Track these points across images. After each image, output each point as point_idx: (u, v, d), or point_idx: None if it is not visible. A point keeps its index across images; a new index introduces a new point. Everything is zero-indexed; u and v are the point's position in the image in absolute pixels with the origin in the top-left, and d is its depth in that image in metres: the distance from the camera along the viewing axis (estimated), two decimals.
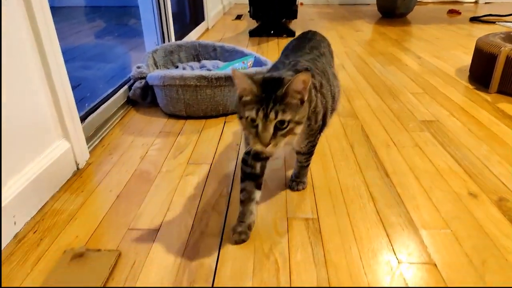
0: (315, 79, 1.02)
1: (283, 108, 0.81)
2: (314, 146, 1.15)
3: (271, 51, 3.11)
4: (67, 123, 1.29)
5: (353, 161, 1.40)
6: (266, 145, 0.81)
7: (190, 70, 2.15)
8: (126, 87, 1.97)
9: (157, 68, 2.15)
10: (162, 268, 0.92)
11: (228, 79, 1.72)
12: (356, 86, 2.21)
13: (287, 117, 0.82)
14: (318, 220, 1.09)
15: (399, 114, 1.81)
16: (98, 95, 1.82)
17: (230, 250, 0.98)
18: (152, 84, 1.84)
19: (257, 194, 1.05)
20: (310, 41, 1.26)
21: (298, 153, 1.17)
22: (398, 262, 0.94)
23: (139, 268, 0.92)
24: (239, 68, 2.05)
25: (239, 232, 1.00)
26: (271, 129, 0.81)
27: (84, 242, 1.00)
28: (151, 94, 1.91)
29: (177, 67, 2.24)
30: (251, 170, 1.03)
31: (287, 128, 0.83)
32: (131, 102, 1.96)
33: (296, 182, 1.23)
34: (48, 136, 1.23)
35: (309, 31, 1.37)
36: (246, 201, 1.03)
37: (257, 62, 2.10)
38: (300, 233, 1.04)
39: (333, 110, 1.18)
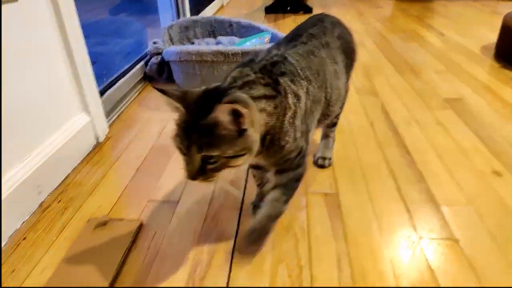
0: (295, 85, 0.81)
1: (207, 141, 0.66)
2: (294, 178, 0.87)
3: (287, 28, 3.03)
4: (87, 97, 1.30)
5: (373, 139, 1.37)
6: (193, 179, 0.69)
7: (206, 46, 2.13)
8: (142, 63, 1.97)
9: (173, 44, 2.13)
10: (183, 238, 0.94)
11: (245, 55, 1.70)
12: (376, 63, 2.16)
13: (214, 152, 0.66)
14: (338, 196, 1.08)
15: (421, 92, 1.76)
16: (115, 71, 1.82)
17: (249, 223, 0.98)
18: (168, 59, 1.83)
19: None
20: (314, 26, 1.01)
21: (272, 185, 0.89)
22: (419, 237, 0.93)
23: (161, 238, 0.94)
24: (256, 44, 2.01)
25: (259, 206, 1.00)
26: (195, 163, 0.68)
27: (106, 213, 1.02)
28: (167, 70, 1.90)
29: (192, 43, 2.22)
30: (261, 180, 1.01)
31: (217, 164, 0.68)
32: (147, 78, 1.96)
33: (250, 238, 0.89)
34: (69, 109, 1.24)
35: (321, 14, 1.12)
36: (260, 184, 1.02)
37: (274, 38, 2.06)
38: (319, 208, 1.03)
39: (326, 116, 0.99)
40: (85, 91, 1.28)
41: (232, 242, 0.93)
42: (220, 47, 1.69)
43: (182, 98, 0.68)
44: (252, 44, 2.00)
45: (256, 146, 0.72)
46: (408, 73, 2.00)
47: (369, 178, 1.15)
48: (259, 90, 0.75)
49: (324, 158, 1.22)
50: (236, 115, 0.65)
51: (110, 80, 1.70)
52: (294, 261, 0.87)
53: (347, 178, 1.16)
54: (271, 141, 0.77)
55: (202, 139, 0.65)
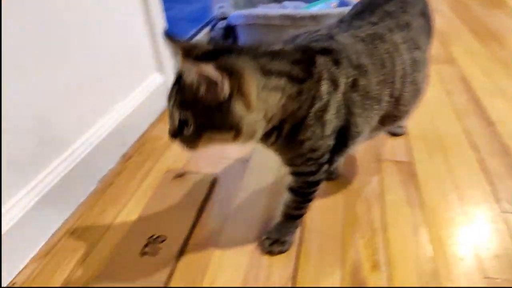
0: (337, 69, 0.66)
1: (180, 100, 0.59)
2: (311, 184, 0.75)
3: None
4: (162, 57, 1.34)
5: (451, 109, 1.29)
6: (171, 137, 0.63)
7: (273, 9, 2.09)
8: (208, 28, 1.99)
9: (238, 9, 2.12)
10: (255, 193, 0.97)
11: (314, 19, 1.65)
12: (453, 31, 1.99)
13: (185, 114, 0.59)
14: (413, 164, 1.04)
15: (506, 61, 1.60)
16: (183, 34, 1.86)
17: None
18: (234, 24, 1.83)
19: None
20: (389, 0, 0.82)
21: (289, 189, 0.79)
22: (501, 211, 0.88)
23: (234, 192, 0.97)
24: (323, 9, 1.94)
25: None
26: (175, 121, 0.61)
27: (182, 167, 1.08)
28: (233, 34, 1.90)
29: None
30: None
31: (192, 129, 0.59)
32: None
33: (269, 239, 0.82)
34: (147, 68, 1.30)
35: None
36: None
37: (342, 4, 1.97)
38: (392, 175, 1.01)
39: (393, 117, 0.79)
40: (161, 51, 1.33)
41: None
42: (287, 11, 1.65)
43: (188, 51, 0.60)
44: (319, 9, 1.93)
45: (252, 128, 0.60)
46: (489, 41, 1.82)
47: (447, 148, 1.09)
48: (282, 65, 0.61)
49: (399, 126, 1.17)
50: (212, 82, 0.54)
51: None
52: (366, 224, 0.86)
53: (423, 148, 1.10)
54: (289, 131, 0.65)
55: (177, 96, 0.59)
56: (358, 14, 0.82)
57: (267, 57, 0.61)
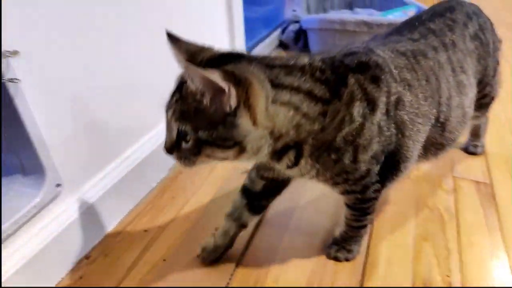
0: (375, 87, 0.59)
1: (180, 110, 0.53)
2: (364, 201, 0.69)
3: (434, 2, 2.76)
4: None
5: None
6: (167, 151, 0.57)
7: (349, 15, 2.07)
8: (279, 30, 2.01)
9: (309, 13, 2.12)
10: (321, 197, 0.96)
11: (391, 27, 1.60)
12: None
13: (184, 126, 0.53)
14: (491, 186, 0.97)
15: None
16: (252, 37, 1.90)
17: (389, 194, 0.95)
18: (306, 28, 1.83)
19: (248, 219, 0.77)
20: (437, 18, 0.76)
21: (345, 203, 0.74)
22: None
23: (301, 192, 0.97)
24: (401, 17, 1.88)
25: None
26: (172, 133, 0.55)
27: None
28: (304, 38, 1.91)
29: None
30: (250, 184, 0.75)
31: (191, 144, 0.54)
32: (282, 46, 2.01)
33: (335, 245, 0.79)
34: None
35: (454, 0, 0.83)
36: (246, 190, 0.76)
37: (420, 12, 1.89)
38: (470, 195, 0.95)
39: (438, 146, 0.73)
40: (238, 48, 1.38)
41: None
42: (364, 17, 1.62)
43: (192, 55, 0.55)
44: (394, 17, 1.88)
45: (257, 145, 0.55)
46: None
47: None
48: (301, 81, 0.55)
49: (476, 145, 1.10)
50: (218, 91, 0.49)
51: (250, 45, 1.79)
52: (441, 242, 0.82)
53: (503, 169, 1.03)
54: (313, 154, 0.58)
55: (178, 106, 0.53)
56: (396, 31, 0.76)
57: (283, 69, 0.55)
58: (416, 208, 0.91)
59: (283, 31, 1.98)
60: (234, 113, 0.51)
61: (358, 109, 0.57)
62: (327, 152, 0.58)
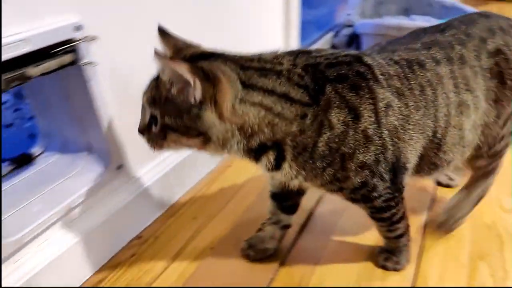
0: (357, 97, 0.58)
1: (151, 96, 0.57)
2: (379, 210, 0.67)
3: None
4: None
5: None
6: (139, 132, 0.61)
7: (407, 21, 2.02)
8: (331, 33, 1.99)
9: (363, 18, 2.08)
10: None
11: None
12: None
13: (153, 111, 0.58)
14: None
15: None
16: (305, 39, 1.89)
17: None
18: (360, 32, 1.80)
19: (286, 219, 0.80)
20: (446, 30, 0.70)
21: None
22: None
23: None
24: None
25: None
26: (146, 116, 0.60)
27: None
28: (356, 43, 1.88)
29: None
30: (273, 189, 0.78)
31: (159, 128, 0.58)
32: (334, 49, 1.99)
33: (383, 254, 0.77)
34: None
35: (477, 13, 0.77)
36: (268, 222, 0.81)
37: None
38: None
39: (432, 165, 0.69)
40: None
41: (423, 220, 0.88)
42: (424, 23, 1.57)
43: (178, 50, 0.59)
44: None
45: (224, 138, 0.57)
46: None
47: None
48: (276, 84, 0.57)
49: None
50: (186, 83, 0.53)
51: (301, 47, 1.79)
52: (498, 262, 0.78)
53: None
54: (299, 156, 0.59)
55: (151, 92, 0.58)
56: (407, 37, 0.72)
57: (257, 72, 0.57)
58: (472, 225, 0.87)
59: (335, 35, 1.96)
60: (200, 105, 0.54)
61: (337, 116, 0.57)
62: (312, 159, 0.59)
